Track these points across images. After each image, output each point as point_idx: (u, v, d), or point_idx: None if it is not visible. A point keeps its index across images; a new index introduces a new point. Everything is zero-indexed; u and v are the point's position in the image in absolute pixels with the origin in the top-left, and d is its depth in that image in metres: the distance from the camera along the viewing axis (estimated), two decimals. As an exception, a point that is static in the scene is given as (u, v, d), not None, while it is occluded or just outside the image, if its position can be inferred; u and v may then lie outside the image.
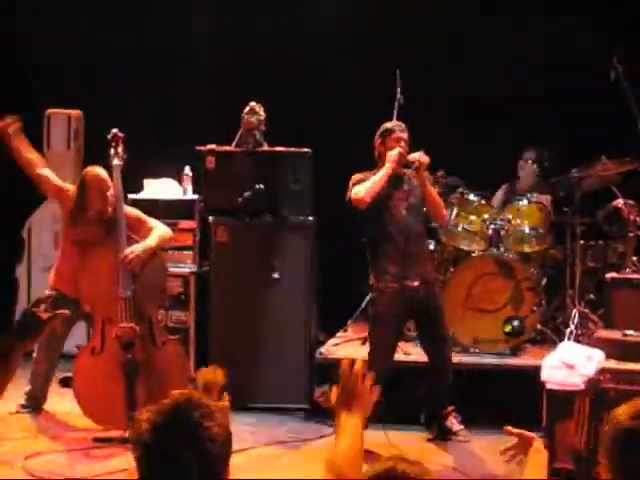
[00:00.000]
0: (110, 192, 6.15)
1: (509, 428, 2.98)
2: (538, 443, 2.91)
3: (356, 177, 6.16)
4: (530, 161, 7.72)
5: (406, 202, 6.12)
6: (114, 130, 6.27)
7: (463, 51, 7.86)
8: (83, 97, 8.04)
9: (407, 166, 6.06)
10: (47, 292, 6.03)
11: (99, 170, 6.26)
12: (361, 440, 2.48)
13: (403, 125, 6.21)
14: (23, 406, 6.59)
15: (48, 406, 6.71)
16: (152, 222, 6.32)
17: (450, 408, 6.35)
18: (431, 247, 7.22)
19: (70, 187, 6.39)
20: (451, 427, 6.31)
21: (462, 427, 6.31)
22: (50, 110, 8.22)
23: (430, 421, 6.35)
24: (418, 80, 7.38)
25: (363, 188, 5.99)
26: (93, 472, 5.55)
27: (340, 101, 7.80)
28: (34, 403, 6.60)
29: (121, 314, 6.04)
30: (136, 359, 6.02)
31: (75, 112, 8.27)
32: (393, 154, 6.02)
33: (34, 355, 6.52)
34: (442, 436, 6.24)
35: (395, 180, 6.11)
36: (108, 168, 6.21)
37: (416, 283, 6.03)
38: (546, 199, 7.44)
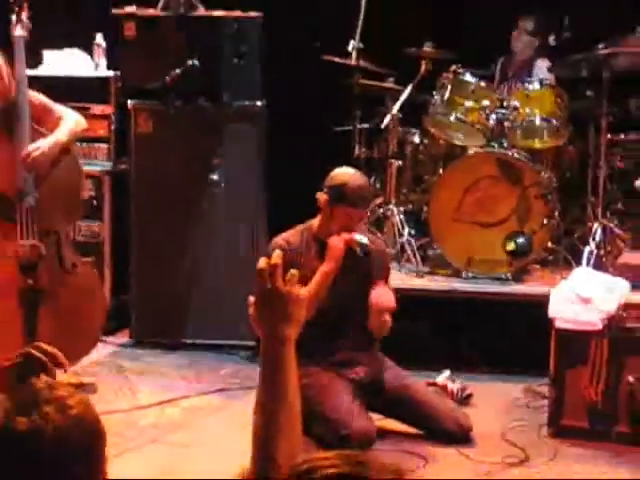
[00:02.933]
0: (6, 73, 6.02)
1: None
2: None
3: (275, 243, 5.80)
4: (525, 32, 7.74)
5: None
6: None
7: None
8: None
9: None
10: None
11: None
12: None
13: (369, 196, 5.95)
14: None
15: None
16: (61, 110, 6.24)
17: None
18: (416, 139, 7.37)
19: None
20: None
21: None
22: None
23: None
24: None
25: None
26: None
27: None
28: None
29: (21, 228, 5.99)
30: (39, 285, 5.98)
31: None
32: (337, 246, 5.66)
33: None
34: None
35: None
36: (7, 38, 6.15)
37: None
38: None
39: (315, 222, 5.81)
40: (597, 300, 5.73)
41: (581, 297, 5.74)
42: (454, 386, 6.26)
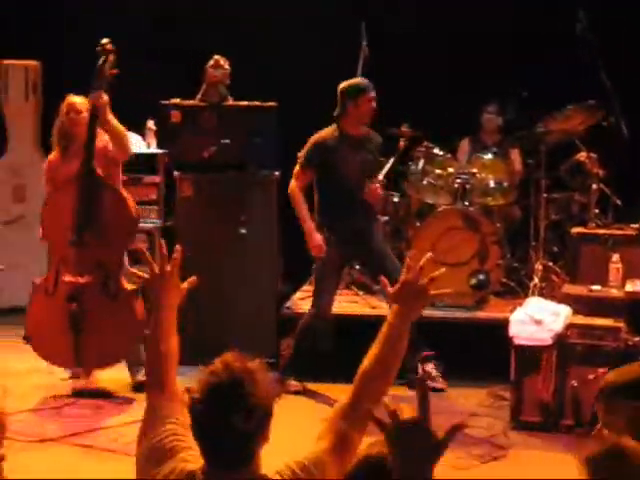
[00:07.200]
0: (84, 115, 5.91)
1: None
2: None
3: (314, 139, 6.13)
4: (493, 114, 7.73)
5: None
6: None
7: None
8: (40, 48, 7.83)
9: None
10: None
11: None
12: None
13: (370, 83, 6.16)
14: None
15: (14, 364, 6.59)
16: None
17: (427, 353, 6.39)
18: (395, 199, 7.42)
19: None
20: (430, 372, 6.36)
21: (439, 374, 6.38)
22: (6, 61, 8.01)
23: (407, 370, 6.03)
24: (381, 33, 7.42)
25: (295, 198, 6.16)
26: (64, 431, 5.51)
27: (305, 54, 7.66)
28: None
29: (72, 260, 5.90)
30: (82, 310, 5.89)
31: (32, 63, 8.04)
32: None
33: None
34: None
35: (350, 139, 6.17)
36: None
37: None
38: (514, 152, 7.53)
39: (341, 124, 6.05)
40: (547, 322, 5.78)
41: (534, 319, 5.77)
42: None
